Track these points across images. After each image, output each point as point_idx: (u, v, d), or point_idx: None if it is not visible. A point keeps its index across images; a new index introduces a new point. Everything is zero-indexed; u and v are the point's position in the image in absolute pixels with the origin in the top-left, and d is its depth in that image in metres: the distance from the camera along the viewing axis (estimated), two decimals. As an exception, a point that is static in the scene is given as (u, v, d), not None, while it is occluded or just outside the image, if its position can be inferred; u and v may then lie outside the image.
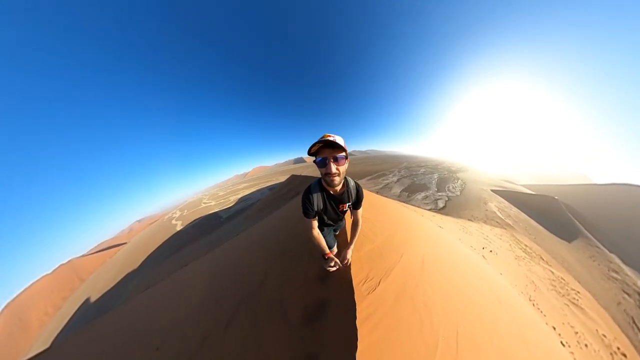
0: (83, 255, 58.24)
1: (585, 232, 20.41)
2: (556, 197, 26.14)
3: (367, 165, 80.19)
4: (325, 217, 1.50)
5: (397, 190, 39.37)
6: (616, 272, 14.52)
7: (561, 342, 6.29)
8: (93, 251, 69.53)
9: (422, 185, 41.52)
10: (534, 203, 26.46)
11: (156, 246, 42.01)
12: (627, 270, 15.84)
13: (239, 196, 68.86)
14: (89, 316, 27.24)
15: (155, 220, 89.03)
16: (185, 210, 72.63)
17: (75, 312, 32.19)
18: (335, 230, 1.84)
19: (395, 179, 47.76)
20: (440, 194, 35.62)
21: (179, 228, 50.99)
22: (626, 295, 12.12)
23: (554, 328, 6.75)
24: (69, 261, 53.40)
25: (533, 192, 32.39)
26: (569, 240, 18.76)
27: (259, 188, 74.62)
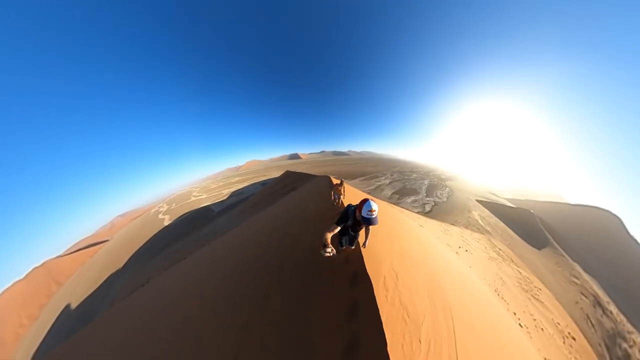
0: (59, 256, 52.27)
1: (554, 242, 22.56)
2: (532, 211, 28.86)
3: (361, 167, 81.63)
4: (349, 229, 2.48)
5: (388, 192, 40.61)
6: (576, 278, 16.71)
7: (519, 324, 7.41)
8: (70, 251, 62.26)
9: (412, 189, 43.11)
10: (513, 214, 29.10)
11: (142, 243, 39.20)
12: (586, 277, 18.26)
13: (232, 190, 67.52)
14: (70, 326, 23.65)
15: (140, 215, 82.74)
16: (174, 204, 69.76)
17: (55, 321, 27.22)
18: (351, 242, 2.74)
19: (387, 181, 49.26)
20: (428, 198, 37.29)
21: (166, 223, 48.40)
22: (583, 297, 14.23)
23: (515, 313, 7.98)
24: (43, 263, 45.80)
25: (513, 205, 34.89)
26: (539, 248, 20.91)
27: (252, 182, 73.65)
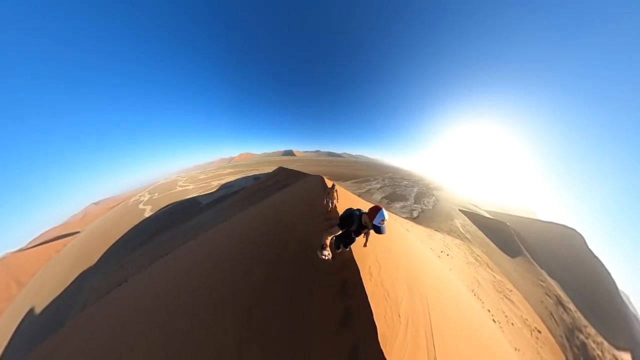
0: (21, 250, 44.99)
1: (525, 252, 24.95)
2: (508, 224, 31.47)
3: (354, 169, 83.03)
4: (352, 234, 2.46)
5: (378, 196, 41.71)
6: (542, 282, 18.92)
7: (493, 320, 8.22)
8: (34, 244, 53.26)
9: (402, 195, 44.64)
10: (490, 225, 31.64)
11: (119, 236, 35.40)
12: (551, 281, 20.65)
13: (223, 182, 64.89)
14: (36, 333, 19.85)
15: (118, 204, 75.88)
16: (157, 193, 64.64)
17: (17, 329, 23.44)
18: (346, 245, 2.75)
19: (378, 186, 50.51)
20: (416, 205, 38.86)
21: (148, 214, 44.76)
22: (548, 297, 16.39)
23: (489, 310, 8.85)
24: (1, 258, 40.64)
25: (491, 217, 37.68)
26: (512, 256, 23.11)
27: (244, 176, 71.32)
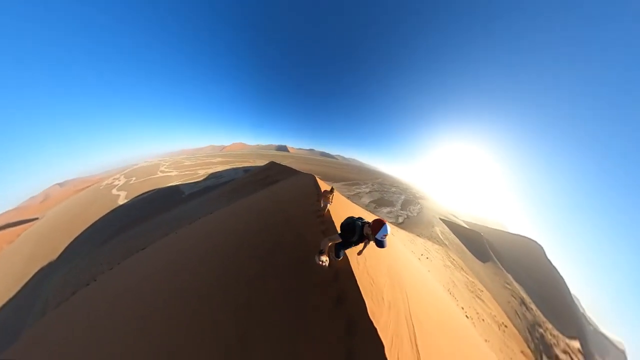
0: None
1: (495, 258, 27.85)
2: (482, 234, 35.07)
3: (345, 172, 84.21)
4: (352, 243, 2.42)
5: (366, 200, 42.87)
6: (509, 284, 21.51)
7: (466, 316, 9.09)
8: None
9: (389, 201, 46.35)
10: (466, 234, 34.96)
11: (87, 225, 30.10)
12: (516, 284, 23.52)
13: (211, 171, 61.43)
14: None
15: (87, 187, 65.81)
16: (134, 178, 57.48)
17: None
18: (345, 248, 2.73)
19: (367, 190, 51.82)
20: (402, 211, 40.71)
21: (122, 201, 39.57)
22: (513, 298, 18.82)
23: (462, 308, 9.77)
24: None
25: (467, 227, 41.05)
26: (484, 262, 25.57)
27: (234, 167, 68.42)
